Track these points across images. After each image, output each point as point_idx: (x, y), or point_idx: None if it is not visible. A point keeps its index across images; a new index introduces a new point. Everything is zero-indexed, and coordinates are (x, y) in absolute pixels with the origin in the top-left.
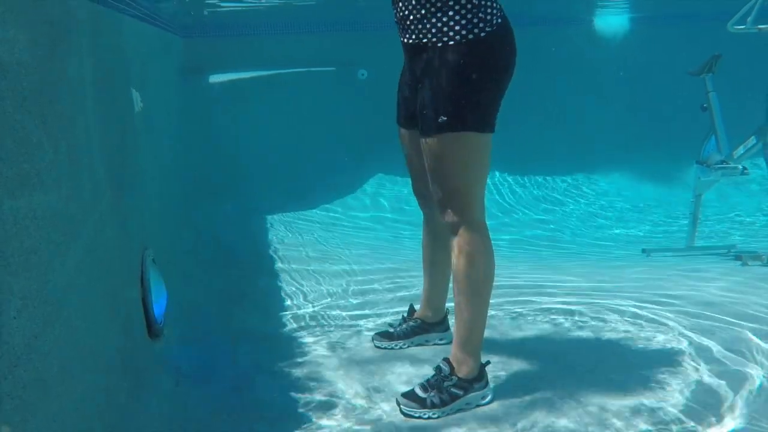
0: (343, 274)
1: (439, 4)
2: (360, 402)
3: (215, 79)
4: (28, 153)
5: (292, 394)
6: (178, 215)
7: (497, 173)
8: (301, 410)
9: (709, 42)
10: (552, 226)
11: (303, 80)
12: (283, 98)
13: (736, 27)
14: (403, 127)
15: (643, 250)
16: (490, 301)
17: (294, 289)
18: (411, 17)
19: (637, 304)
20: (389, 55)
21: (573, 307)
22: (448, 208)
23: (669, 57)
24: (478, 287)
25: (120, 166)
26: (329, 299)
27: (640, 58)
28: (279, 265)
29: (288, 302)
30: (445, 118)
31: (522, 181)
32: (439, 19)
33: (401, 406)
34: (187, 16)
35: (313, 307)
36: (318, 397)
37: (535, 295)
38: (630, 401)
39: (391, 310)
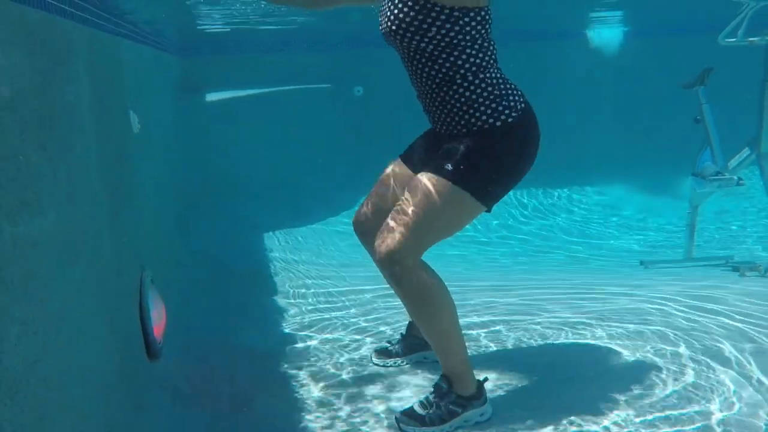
0: (342, 291)
1: (463, 99)
2: (359, 419)
3: (212, 97)
4: (28, 179)
5: (292, 412)
6: (176, 234)
7: None
8: (300, 429)
9: (702, 54)
10: (549, 238)
11: (299, 97)
12: (280, 115)
13: (726, 40)
14: (401, 158)
15: (641, 262)
16: (481, 319)
17: (293, 306)
18: (437, 113)
19: (636, 315)
20: (385, 72)
21: (571, 319)
22: (392, 239)
23: (663, 69)
24: (434, 321)
25: (118, 187)
26: (328, 316)
27: (634, 71)
28: (277, 282)
29: (287, 320)
30: (451, 168)
31: (518, 194)
32: (465, 112)
33: (400, 424)
34: (184, 35)
35: (312, 324)
36: (318, 415)
37: (533, 307)
38: (631, 413)
39: (389, 327)
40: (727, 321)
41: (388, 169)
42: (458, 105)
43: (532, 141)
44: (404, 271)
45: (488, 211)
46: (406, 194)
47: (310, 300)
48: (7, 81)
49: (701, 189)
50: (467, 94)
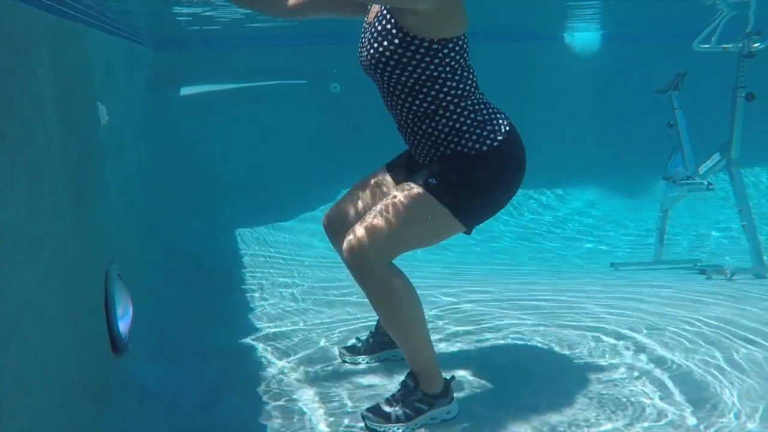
0: (314, 290)
1: (446, 130)
2: (327, 418)
3: (186, 91)
4: None
5: (260, 411)
6: (147, 230)
7: None
8: (267, 427)
9: (677, 59)
10: (520, 239)
11: (274, 93)
12: (255, 111)
13: (701, 46)
14: (387, 166)
15: (612, 264)
16: (451, 321)
17: (264, 305)
18: (420, 146)
19: (603, 317)
20: (361, 69)
21: (538, 320)
22: (362, 241)
23: (638, 73)
24: (398, 321)
25: (83, 181)
26: (299, 315)
27: (609, 74)
28: (249, 280)
29: (257, 318)
30: (435, 182)
31: None
32: (450, 142)
33: (366, 421)
34: (158, 27)
35: (283, 323)
36: (286, 414)
37: (500, 308)
38: (593, 413)
39: (359, 325)
40: (691, 323)
41: (372, 174)
42: (442, 136)
43: (518, 164)
44: (368, 274)
45: (467, 233)
46: (387, 200)
47: (281, 298)
48: None
49: (672, 193)
50: (450, 123)
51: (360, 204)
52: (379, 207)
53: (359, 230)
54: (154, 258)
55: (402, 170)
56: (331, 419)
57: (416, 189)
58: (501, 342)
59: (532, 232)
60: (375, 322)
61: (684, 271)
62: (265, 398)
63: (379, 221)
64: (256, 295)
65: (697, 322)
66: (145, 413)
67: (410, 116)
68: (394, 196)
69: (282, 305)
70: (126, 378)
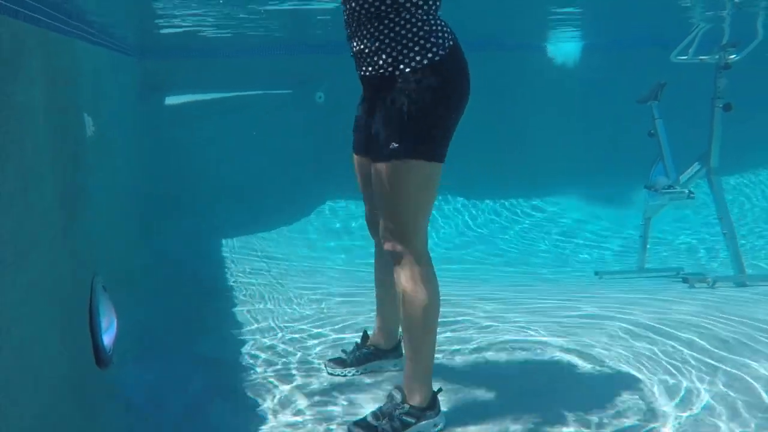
0: (300, 299)
1: (392, 35)
2: (312, 429)
3: (172, 100)
4: None
5: (247, 420)
6: (136, 236)
7: (449, 197)
8: None
9: (658, 69)
10: (504, 249)
11: (260, 102)
12: (241, 120)
13: (678, 57)
14: (357, 154)
15: (596, 273)
16: (438, 329)
17: (251, 313)
18: (366, 50)
19: (591, 327)
20: (347, 78)
21: (525, 331)
22: (392, 235)
23: (618, 83)
24: (423, 318)
25: (73, 190)
26: (285, 324)
27: (590, 84)
28: (238, 287)
29: (244, 326)
30: (396, 145)
31: (474, 205)
32: (393, 49)
33: None
34: (144, 37)
35: (269, 332)
36: (270, 423)
37: (489, 319)
38: (585, 424)
39: (346, 336)
40: (684, 332)
41: (354, 162)
42: (386, 41)
43: (461, 79)
44: (416, 259)
45: (443, 161)
46: (376, 188)
47: (269, 306)
48: None
49: (654, 201)
50: (397, 29)
51: (369, 193)
52: (377, 199)
53: (383, 229)
54: (143, 264)
55: (363, 145)
56: (318, 431)
57: (388, 163)
58: (489, 354)
59: (514, 240)
60: (361, 334)
61: (667, 279)
62: (252, 407)
63: (388, 212)
64: (245, 301)
65: (693, 326)
66: (132, 421)
67: (362, 18)
68: (379, 181)
69: (271, 312)
70: (112, 387)
